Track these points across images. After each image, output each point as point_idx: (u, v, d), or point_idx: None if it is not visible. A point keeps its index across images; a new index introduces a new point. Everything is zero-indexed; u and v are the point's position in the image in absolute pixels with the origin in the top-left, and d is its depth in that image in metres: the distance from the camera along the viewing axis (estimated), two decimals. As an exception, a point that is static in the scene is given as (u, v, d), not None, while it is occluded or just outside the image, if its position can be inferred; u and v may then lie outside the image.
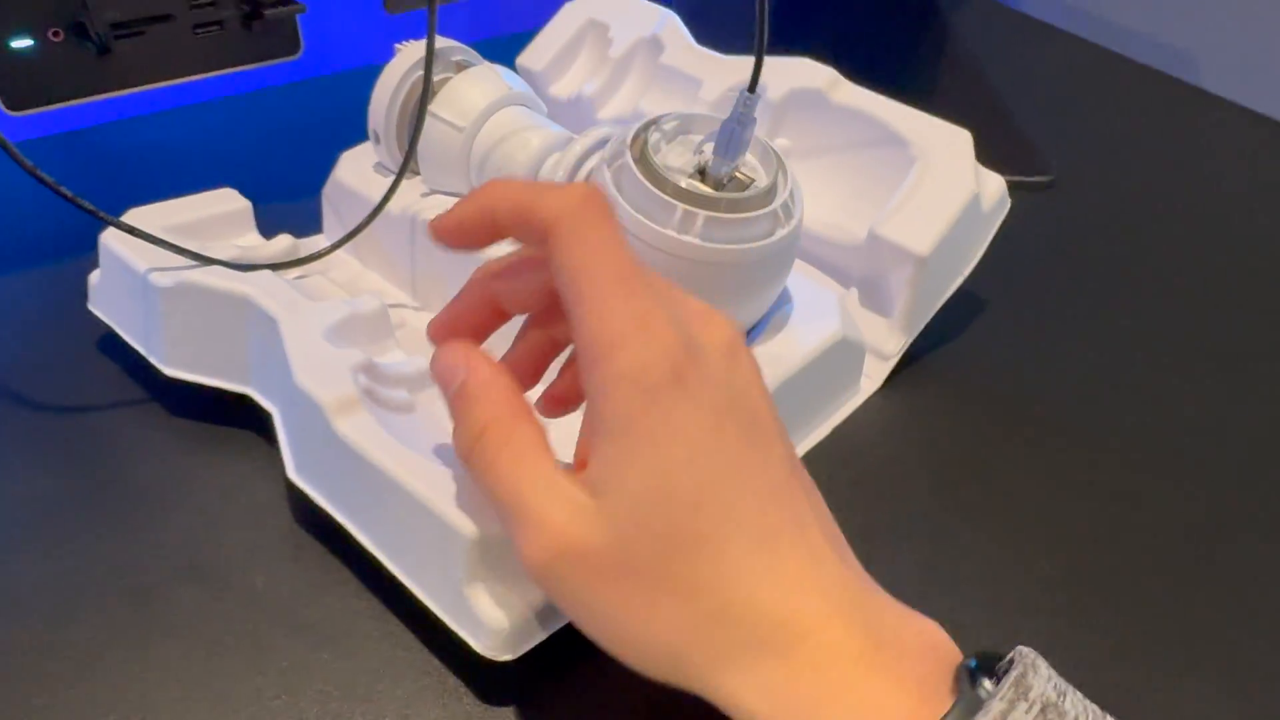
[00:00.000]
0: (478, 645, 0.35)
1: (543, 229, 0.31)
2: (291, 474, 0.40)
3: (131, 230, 0.43)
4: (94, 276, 0.48)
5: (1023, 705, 0.26)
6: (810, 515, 0.30)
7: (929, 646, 0.29)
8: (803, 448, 0.44)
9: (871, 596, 0.30)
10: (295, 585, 0.38)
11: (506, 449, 0.31)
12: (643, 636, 0.29)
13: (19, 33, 0.48)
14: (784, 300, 0.44)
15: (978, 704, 0.27)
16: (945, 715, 0.27)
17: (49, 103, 0.50)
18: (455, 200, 0.48)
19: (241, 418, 0.44)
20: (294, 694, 0.35)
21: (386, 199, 0.46)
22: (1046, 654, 0.28)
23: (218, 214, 0.48)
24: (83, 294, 0.48)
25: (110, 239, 0.46)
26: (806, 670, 0.28)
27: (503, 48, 0.57)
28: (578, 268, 0.30)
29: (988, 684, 0.27)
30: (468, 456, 0.32)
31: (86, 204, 0.41)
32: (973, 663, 0.28)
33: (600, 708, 0.35)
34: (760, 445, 0.30)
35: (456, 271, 0.47)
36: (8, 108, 0.49)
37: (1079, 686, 0.28)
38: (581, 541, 0.29)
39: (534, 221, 0.31)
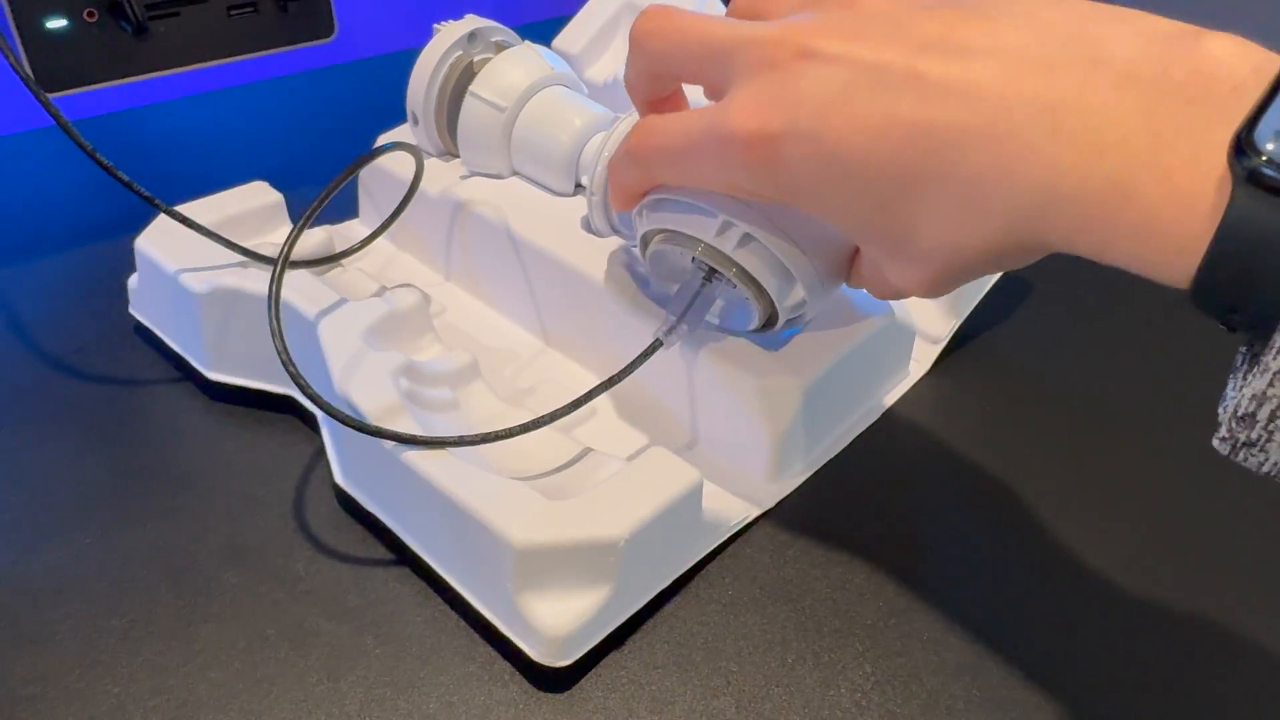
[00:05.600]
0: (533, 653, 0.34)
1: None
2: (339, 480, 0.40)
3: (187, 221, 0.42)
4: (132, 280, 0.47)
5: None
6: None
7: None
8: (852, 432, 0.44)
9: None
10: (338, 570, 0.38)
11: None
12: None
13: (54, 13, 0.47)
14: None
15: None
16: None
17: (83, 84, 0.49)
18: (492, 180, 0.47)
19: (280, 402, 0.43)
20: (336, 679, 0.34)
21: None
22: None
23: (251, 209, 0.48)
24: (122, 273, 0.47)
25: (145, 244, 0.45)
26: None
27: (539, 32, 0.56)
28: None
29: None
30: None
31: (143, 190, 0.41)
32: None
33: (649, 694, 0.34)
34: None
35: (494, 254, 0.46)
36: (43, 88, 0.48)
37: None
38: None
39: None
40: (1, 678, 0.34)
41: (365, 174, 0.52)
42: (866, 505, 0.41)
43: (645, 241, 0.39)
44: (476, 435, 0.36)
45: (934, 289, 0.32)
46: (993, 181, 0.27)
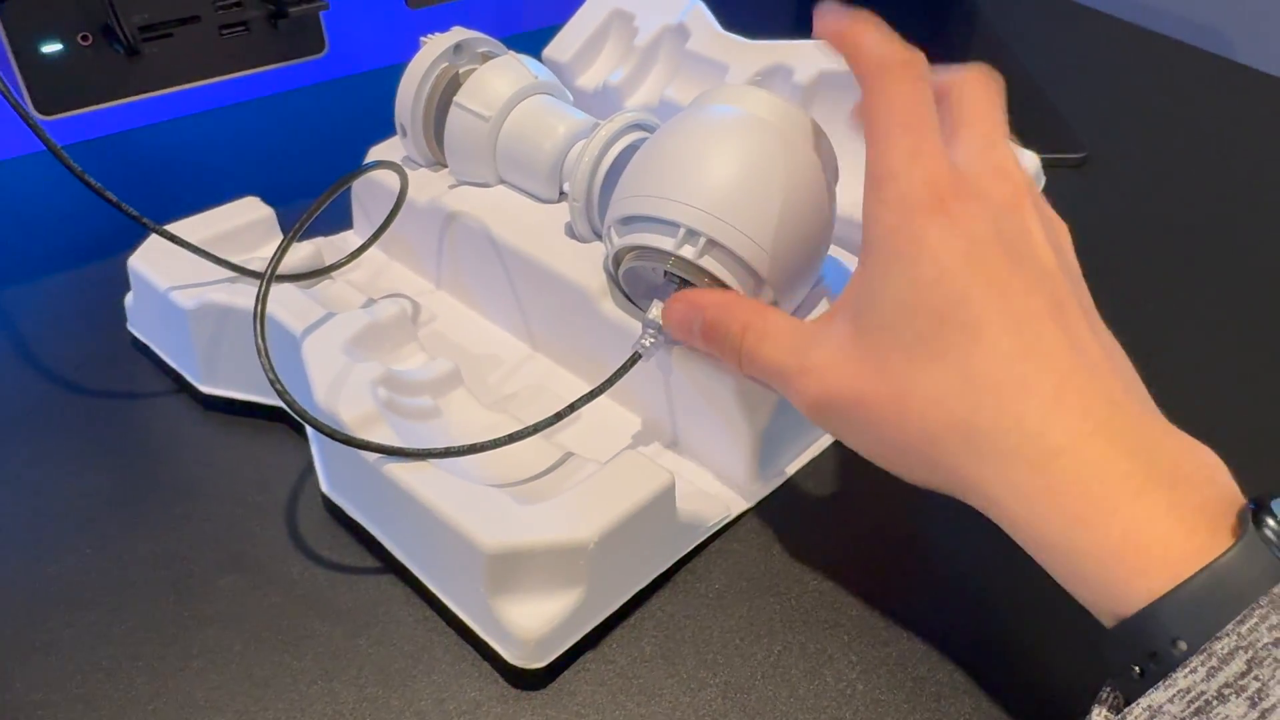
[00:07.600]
0: (508, 655, 0.35)
1: (863, 75, 0.33)
2: (325, 489, 0.40)
3: (174, 239, 0.43)
4: (129, 299, 0.48)
5: None
6: (1090, 340, 0.30)
7: (1208, 478, 0.28)
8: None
9: (1146, 420, 0.29)
10: (331, 574, 0.39)
11: (765, 338, 0.35)
12: (899, 441, 0.31)
13: (49, 37, 0.48)
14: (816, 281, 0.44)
15: (1263, 545, 0.25)
16: (1227, 551, 0.25)
17: (79, 106, 0.50)
18: (479, 188, 0.48)
19: (271, 411, 0.44)
20: (330, 679, 0.35)
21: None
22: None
23: (242, 225, 0.48)
24: (118, 291, 0.48)
25: (138, 263, 0.46)
26: (1066, 485, 0.28)
27: (530, 42, 0.57)
28: (876, 112, 0.32)
29: (1274, 525, 0.26)
30: (739, 364, 0.36)
31: (131, 210, 0.42)
32: (1253, 504, 0.26)
33: (636, 687, 0.35)
34: (1027, 276, 0.30)
35: (481, 261, 0.47)
36: (39, 112, 0.49)
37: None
38: (838, 368, 0.32)
39: (859, 67, 0.33)
40: (7, 685, 0.35)
41: (358, 186, 0.52)
42: (854, 498, 0.42)
43: (618, 261, 0.40)
44: (460, 447, 0.36)
45: (817, 401, 0.33)
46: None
